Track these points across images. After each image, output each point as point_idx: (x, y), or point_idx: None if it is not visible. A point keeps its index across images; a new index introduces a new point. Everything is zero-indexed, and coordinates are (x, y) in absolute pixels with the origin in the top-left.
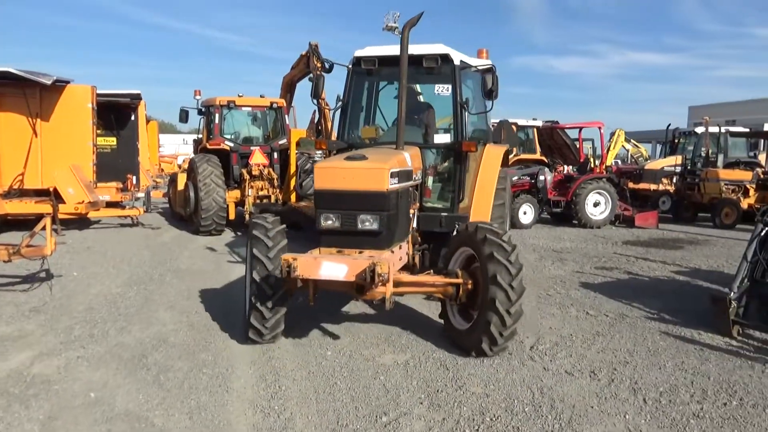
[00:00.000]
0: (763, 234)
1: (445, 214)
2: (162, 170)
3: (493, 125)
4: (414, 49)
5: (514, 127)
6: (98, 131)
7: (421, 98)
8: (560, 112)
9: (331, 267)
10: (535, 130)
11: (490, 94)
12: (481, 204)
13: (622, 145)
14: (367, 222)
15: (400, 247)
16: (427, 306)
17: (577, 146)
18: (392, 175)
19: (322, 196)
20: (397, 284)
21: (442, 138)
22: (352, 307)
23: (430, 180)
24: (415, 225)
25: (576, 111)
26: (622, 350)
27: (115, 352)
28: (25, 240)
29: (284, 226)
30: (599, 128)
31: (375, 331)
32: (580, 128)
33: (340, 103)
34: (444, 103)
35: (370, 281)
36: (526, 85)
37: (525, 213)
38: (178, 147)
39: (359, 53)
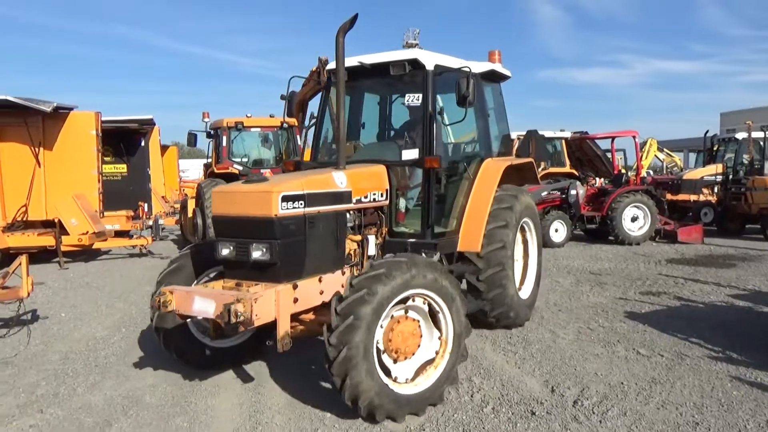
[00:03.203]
0: None
1: (413, 240)
2: (185, 195)
3: (519, 137)
4: (384, 57)
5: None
6: (107, 158)
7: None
8: (586, 123)
9: (201, 303)
10: (563, 141)
11: (463, 100)
12: (471, 227)
13: (655, 155)
14: (259, 251)
15: (320, 280)
16: None
17: (610, 157)
18: (286, 199)
19: (218, 223)
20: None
21: (411, 154)
22: None
23: (402, 202)
24: (372, 252)
25: (602, 122)
26: (687, 405)
27: (77, 417)
28: None
29: None
30: (633, 137)
31: None
32: (613, 138)
33: (314, 120)
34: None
35: (228, 321)
36: (551, 97)
37: (557, 230)
38: (202, 171)
39: (329, 66)
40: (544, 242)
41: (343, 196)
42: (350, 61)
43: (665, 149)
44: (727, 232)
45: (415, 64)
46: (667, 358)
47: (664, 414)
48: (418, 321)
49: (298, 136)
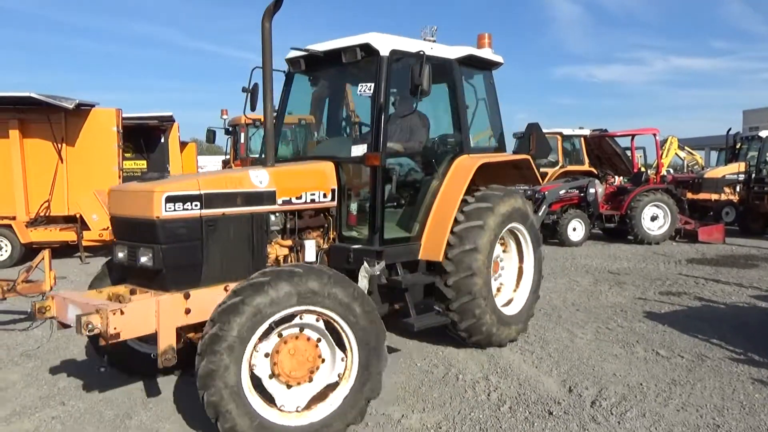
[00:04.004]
0: None
1: (357, 246)
2: None
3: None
4: (339, 43)
5: (558, 136)
6: (127, 155)
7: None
8: (605, 121)
9: (72, 311)
10: (582, 139)
11: (415, 89)
12: (434, 233)
13: (676, 153)
14: (145, 257)
15: (226, 289)
16: (467, 350)
17: (629, 155)
18: (172, 200)
19: (113, 224)
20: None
21: (359, 150)
22: None
23: (355, 203)
24: (311, 259)
25: (621, 120)
26: (708, 407)
27: (98, 409)
28: (22, 275)
29: None
30: (654, 135)
31: (402, 379)
32: (633, 136)
33: (276, 114)
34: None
35: (82, 333)
36: (569, 94)
37: (575, 229)
38: (220, 168)
39: (289, 55)
40: (562, 241)
41: (262, 197)
42: (315, 48)
43: (686, 147)
44: (749, 231)
45: (368, 49)
46: (687, 359)
47: (684, 416)
48: (316, 340)
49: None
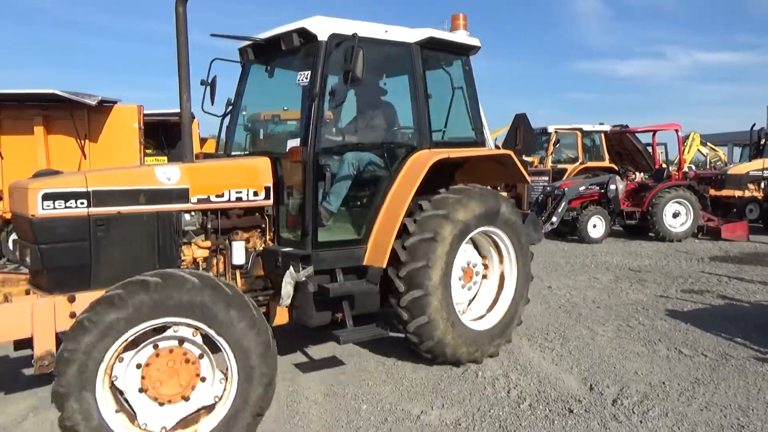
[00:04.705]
0: None
1: (286, 249)
2: None
3: (557, 132)
4: (280, 29)
5: (557, 133)
6: (149, 150)
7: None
8: (626, 116)
9: None
10: (602, 135)
11: (345, 76)
12: (380, 237)
13: (698, 149)
14: (27, 256)
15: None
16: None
17: (650, 151)
18: (51, 197)
19: (14, 220)
20: None
21: (293, 144)
22: (397, 344)
23: (294, 202)
24: (239, 261)
25: (642, 115)
26: (732, 407)
27: None
28: None
29: None
30: (676, 131)
31: (422, 375)
32: (654, 132)
33: (230, 107)
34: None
35: None
36: (589, 90)
37: (595, 226)
38: None
39: (241, 46)
40: (581, 237)
41: (170, 194)
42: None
43: (708, 143)
44: None
45: (306, 34)
46: (710, 358)
47: (707, 416)
48: (198, 356)
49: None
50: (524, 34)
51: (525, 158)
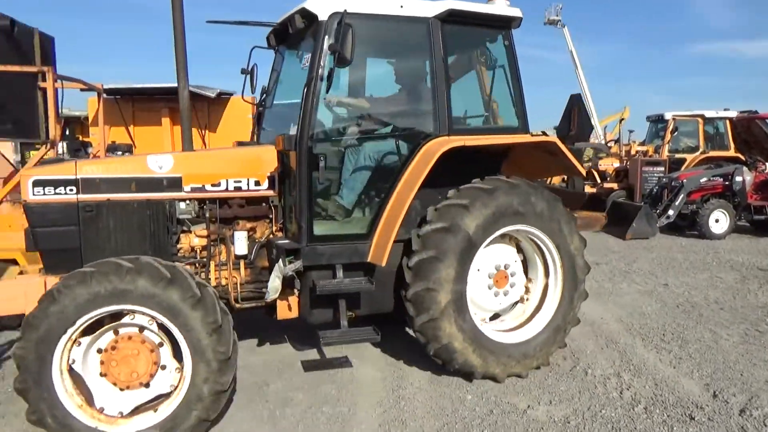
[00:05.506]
0: None
1: (281, 242)
2: None
3: (675, 118)
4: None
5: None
6: None
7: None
8: (754, 102)
9: None
10: (727, 122)
11: (334, 57)
12: (384, 232)
13: None
14: (27, 239)
15: None
16: (597, 344)
17: None
18: (41, 184)
19: None
20: None
21: (294, 131)
22: None
23: (288, 194)
24: (242, 252)
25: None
26: None
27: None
28: None
29: None
30: None
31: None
32: None
33: (265, 95)
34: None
35: None
36: (709, 73)
37: (717, 221)
38: None
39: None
40: (702, 233)
41: (162, 183)
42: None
43: None
44: None
45: (308, 15)
46: None
47: None
48: (157, 344)
49: None
50: (634, 15)
51: (595, 148)
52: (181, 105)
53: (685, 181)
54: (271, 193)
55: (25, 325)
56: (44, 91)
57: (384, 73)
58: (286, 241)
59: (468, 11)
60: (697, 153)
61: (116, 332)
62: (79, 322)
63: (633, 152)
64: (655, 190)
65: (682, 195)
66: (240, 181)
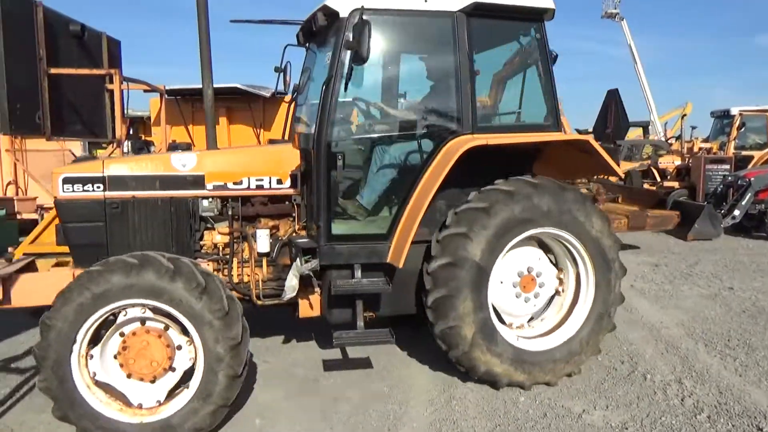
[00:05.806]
0: None
1: (300, 240)
2: None
3: (743, 113)
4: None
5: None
6: None
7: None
8: None
9: None
10: None
11: (353, 55)
12: (403, 233)
13: None
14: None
15: None
16: (656, 348)
17: None
18: (71, 181)
19: None
20: None
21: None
22: None
23: (308, 193)
24: (264, 249)
25: None
26: None
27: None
28: None
29: None
30: None
31: (583, 373)
32: None
33: (296, 94)
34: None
35: None
36: None
37: None
38: None
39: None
40: None
41: (185, 181)
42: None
43: None
44: None
45: (329, 12)
46: None
47: None
48: (163, 329)
49: None
50: (695, 8)
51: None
52: (206, 104)
53: (752, 179)
54: (293, 191)
55: (42, 326)
56: (111, 92)
57: (417, 69)
58: (305, 239)
59: (496, 4)
60: (766, 150)
61: (122, 334)
62: (97, 315)
63: (696, 149)
64: (719, 189)
65: (749, 194)
66: (262, 180)
